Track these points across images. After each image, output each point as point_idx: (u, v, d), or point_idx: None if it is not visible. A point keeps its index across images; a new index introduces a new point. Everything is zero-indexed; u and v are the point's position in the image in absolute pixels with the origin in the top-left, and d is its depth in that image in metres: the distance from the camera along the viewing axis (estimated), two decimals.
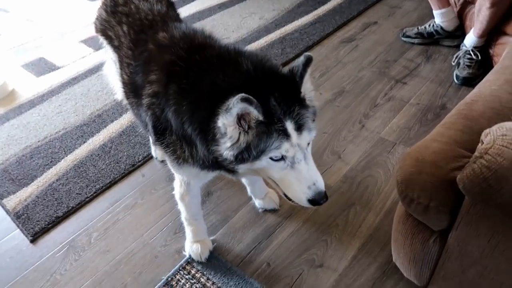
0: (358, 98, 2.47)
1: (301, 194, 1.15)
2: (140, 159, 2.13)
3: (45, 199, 1.94)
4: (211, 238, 1.71)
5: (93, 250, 1.73)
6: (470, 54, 2.51)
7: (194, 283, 1.57)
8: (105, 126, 2.37)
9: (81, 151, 2.20)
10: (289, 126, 1.07)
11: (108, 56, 1.73)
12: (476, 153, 0.87)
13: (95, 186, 2.00)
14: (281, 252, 1.66)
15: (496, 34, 2.41)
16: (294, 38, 3.08)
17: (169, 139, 1.32)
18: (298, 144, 1.09)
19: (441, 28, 2.79)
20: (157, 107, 1.28)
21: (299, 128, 1.08)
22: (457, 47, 2.72)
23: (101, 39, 1.64)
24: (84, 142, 2.27)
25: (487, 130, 0.89)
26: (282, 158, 1.10)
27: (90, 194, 1.96)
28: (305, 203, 1.16)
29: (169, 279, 1.58)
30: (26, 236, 1.79)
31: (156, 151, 2.10)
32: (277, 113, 1.06)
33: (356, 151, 2.10)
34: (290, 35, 3.12)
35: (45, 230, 1.82)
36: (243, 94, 0.99)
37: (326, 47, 2.98)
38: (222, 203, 1.88)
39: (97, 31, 1.63)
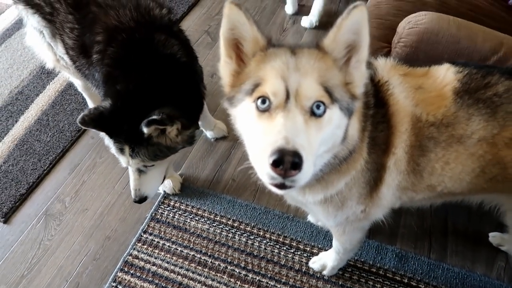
0: (267, 27, 2.73)
1: (131, 192, 1.49)
2: None
3: (0, 183, 1.95)
4: (178, 173, 1.93)
5: (72, 212, 1.84)
6: None
7: (177, 211, 1.81)
8: (32, 101, 2.32)
9: (17, 130, 2.18)
10: (126, 149, 1.34)
11: (31, 26, 1.72)
12: (395, 40, 1.22)
13: (48, 158, 2.04)
14: (240, 168, 1.96)
15: None
16: None
17: None
18: (128, 162, 1.38)
19: None
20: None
21: (132, 156, 1.35)
22: None
23: (23, 9, 1.61)
24: (17, 121, 2.23)
25: (399, 25, 1.23)
26: None
27: (46, 166, 2.01)
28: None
29: (153, 214, 1.80)
30: None
31: None
32: (120, 137, 1.31)
33: None
34: None
35: (15, 209, 1.87)
36: (82, 117, 1.23)
37: None
38: None
39: (17, 2, 1.60)
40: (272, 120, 0.75)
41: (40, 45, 1.78)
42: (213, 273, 1.61)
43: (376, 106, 0.96)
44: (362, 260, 1.61)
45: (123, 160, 1.37)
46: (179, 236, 1.73)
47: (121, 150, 1.32)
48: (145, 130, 1.23)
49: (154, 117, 1.20)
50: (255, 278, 1.59)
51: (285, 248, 1.66)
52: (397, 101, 0.97)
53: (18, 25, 2.80)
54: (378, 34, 1.48)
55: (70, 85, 2.34)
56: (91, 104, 2.16)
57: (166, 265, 1.65)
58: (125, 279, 1.61)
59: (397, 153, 0.98)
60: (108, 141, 1.36)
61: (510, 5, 1.66)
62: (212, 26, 2.74)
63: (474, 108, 0.95)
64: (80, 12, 1.44)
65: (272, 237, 1.70)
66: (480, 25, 1.35)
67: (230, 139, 2.06)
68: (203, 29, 2.72)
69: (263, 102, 0.78)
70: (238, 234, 1.72)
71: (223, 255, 1.66)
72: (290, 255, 1.64)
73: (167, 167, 1.52)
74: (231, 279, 1.59)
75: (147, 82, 1.28)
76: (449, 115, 0.95)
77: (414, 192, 1.07)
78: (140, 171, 1.42)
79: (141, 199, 1.48)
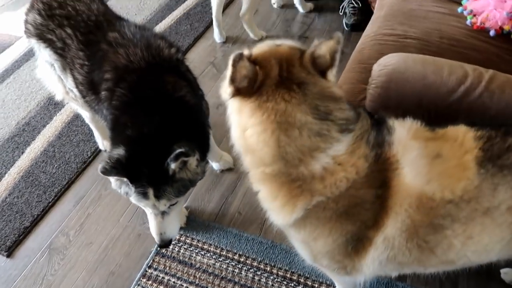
0: None
1: (154, 236, 1.44)
2: (89, 155, 2.19)
3: (4, 215, 1.94)
4: (184, 206, 1.92)
5: (76, 246, 1.82)
6: (353, 3, 2.94)
7: (182, 245, 1.79)
8: (39, 132, 2.34)
9: (23, 162, 2.18)
10: (150, 192, 1.28)
11: (42, 60, 1.75)
12: (369, 82, 1.29)
13: (53, 190, 2.03)
14: (247, 200, 1.94)
15: None
16: (198, 12, 3.23)
17: None
18: (154, 205, 1.33)
19: None
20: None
21: (157, 196, 1.30)
22: None
23: (35, 44, 1.65)
24: (23, 153, 2.24)
25: (372, 68, 1.31)
26: None
27: (51, 199, 2.00)
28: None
29: (158, 248, 1.77)
30: (0, 253, 1.81)
31: (104, 143, 2.17)
32: (142, 181, 1.26)
33: None
34: (193, 10, 3.26)
35: (18, 243, 1.85)
36: (103, 167, 1.19)
37: (230, 16, 3.19)
38: None
39: (30, 36, 1.64)
40: None
41: (51, 78, 1.81)
42: None
43: (372, 186, 0.90)
44: None
45: (147, 204, 1.32)
46: (185, 272, 1.70)
47: (145, 195, 1.27)
48: (173, 165, 1.22)
49: (181, 150, 1.19)
50: None
51: (292, 285, 1.63)
52: (403, 182, 0.90)
53: (27, 56, 2.86)
54: (360, 78, 1.57)
55: (76, 116, 2.36)
56: (97, 136, 2.17)
57: None
58: None
59: (388, 232, 0.92)
60: (125, 189, 1.30)
61: (492, 36, 1.68)
62: (217, 57, 2.78)
63: (499, 177, 0.89)
64: (90, 49, 1.47)
65: (279, 272, 1.67)
66: (446, 59, 1.39)
67: (236, 171, 2.06)
68: (208, 60, 2.76)
69: None
70: (245, 270, 1.69)
71: None
72: None
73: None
74: None
75: (159, 125, 1.28)
76: (472, 189, 0.89)
77: (422, 267, 1.02)
78: (163, 213, 1.37)
79: (167, 243, 1.43)
